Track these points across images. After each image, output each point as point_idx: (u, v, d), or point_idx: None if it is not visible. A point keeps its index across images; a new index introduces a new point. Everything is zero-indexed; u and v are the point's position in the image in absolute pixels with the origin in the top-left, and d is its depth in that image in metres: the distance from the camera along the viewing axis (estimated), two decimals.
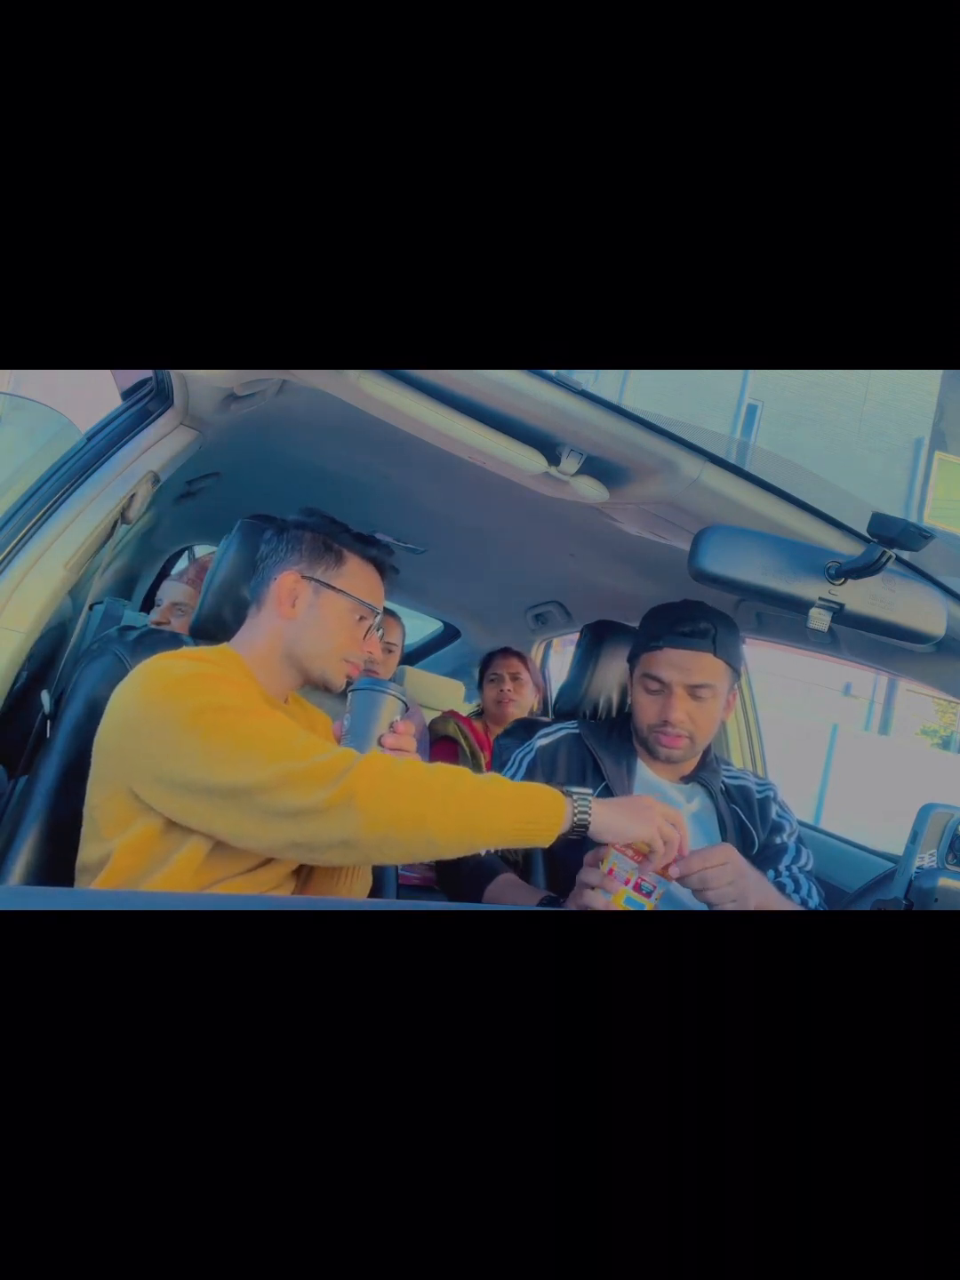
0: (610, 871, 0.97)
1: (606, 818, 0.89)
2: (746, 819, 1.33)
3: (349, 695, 0.94)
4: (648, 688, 1.28)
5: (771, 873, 1.28)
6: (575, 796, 0.88)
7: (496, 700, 2.36)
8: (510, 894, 1.23)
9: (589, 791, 0.90)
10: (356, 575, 1.07)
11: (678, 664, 1.24)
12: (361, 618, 1.07)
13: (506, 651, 2.43)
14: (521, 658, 2.41)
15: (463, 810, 0.81)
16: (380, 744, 0.89)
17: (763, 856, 1.30)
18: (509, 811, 0.84)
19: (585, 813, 0.87)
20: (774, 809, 1.36)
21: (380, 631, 1.13)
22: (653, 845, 0.91)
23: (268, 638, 1.04)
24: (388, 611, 2.26)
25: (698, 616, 1.25)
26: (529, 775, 1.35)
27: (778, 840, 1.33)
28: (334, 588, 1.05)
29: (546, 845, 0.86)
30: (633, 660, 1.34)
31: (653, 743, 1.29)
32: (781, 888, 1.25)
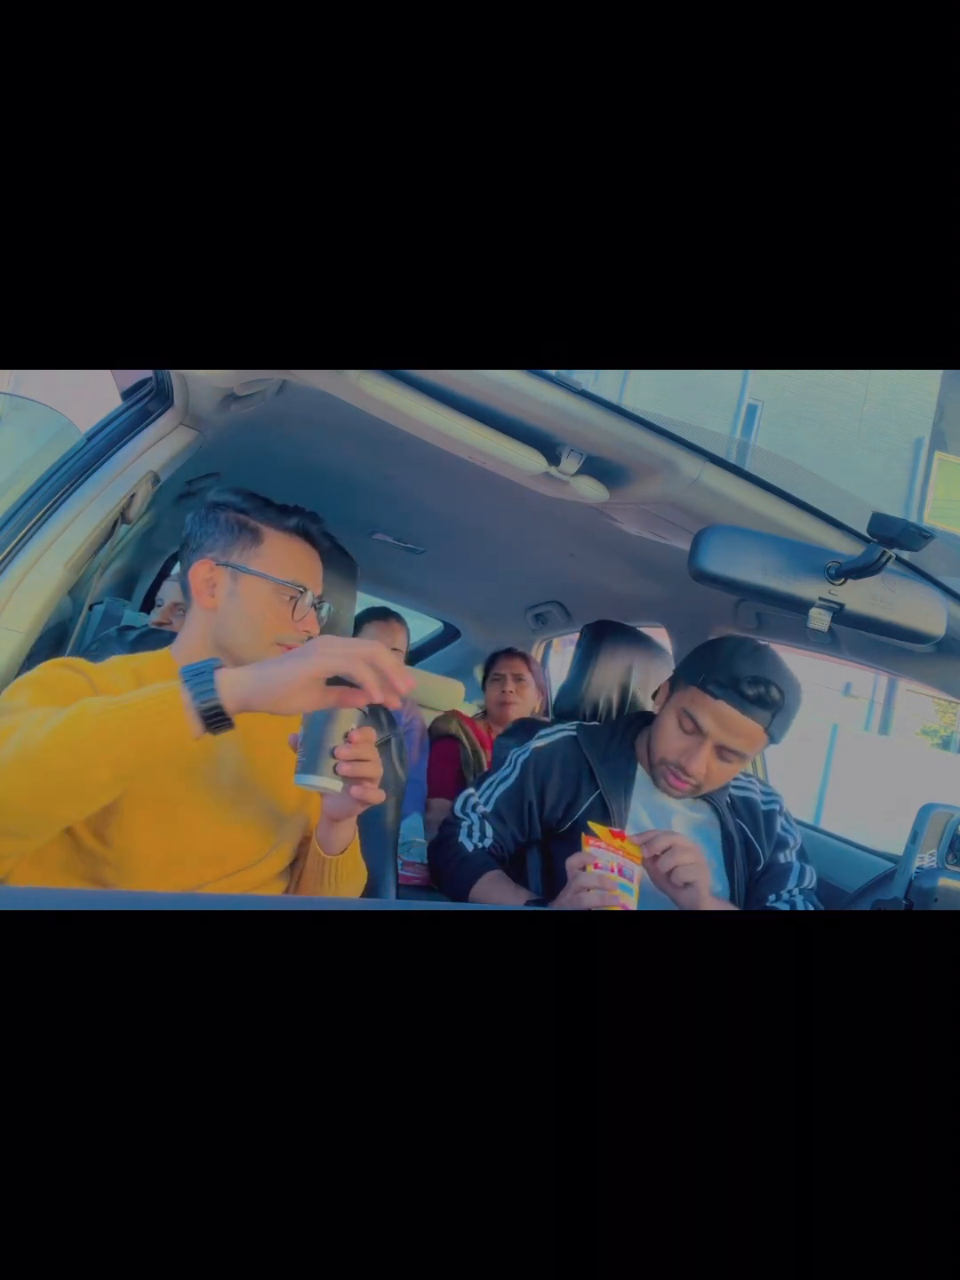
0: (593, 865, 0.98)
1: (250, 683, 0.75)
2: (751, 834, 1.32)
3: (304, 715, 0.87)
4: (682, 725, 1.21)
5: (773, 896, 1.27)
6: (190, 680, 0.74)
7: (498, 700, 2.36)
8: (496, 892, 1.23)
9: (211, 663, 0.76)
10: (278, 551, 1.01)
11: (724, 722, 1.16)
12: (291, 597, 1.00)
13: (510, 652, 2.43)
14: (525, 658, 2.41)
15: (77, 757, 0.71)
16: (334, 757, 0.83)
17: (767, 876, 1.29)
18: (125, 741, 0.72)
19: (210, 695, 0.73)
20: (779, 822, 1.35)
21: (322, 608, 1.06)
22: (356, 678, 0.77)
23: (198, 632, 1.00)
24: (390, 613, 2.23)
25: (771, 680, 1.15)
26: (522, 776, 1.35)
27: (783, 859, 1.31)
28: (251, 571, 0.98)
29: (198, 737, 0.74)
30: (676, 680, 1.26)
31: (660, 774, 1.26)
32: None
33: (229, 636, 0.98)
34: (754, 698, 1.14)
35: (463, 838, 1.33)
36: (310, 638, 0.99)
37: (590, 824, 1.03)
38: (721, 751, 1.18)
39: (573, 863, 1.02)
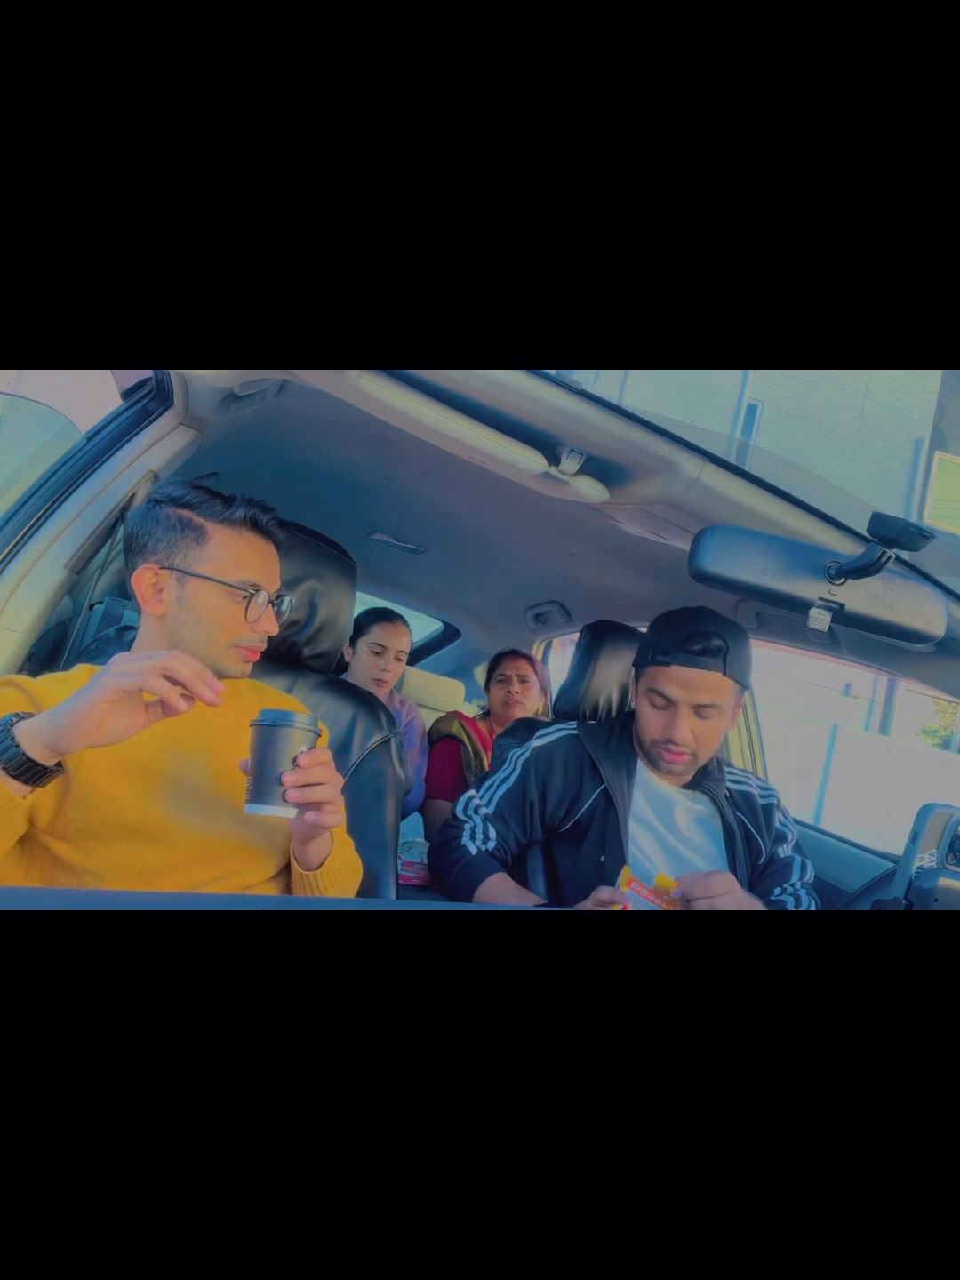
0: (623, 906, 0.98)
1: (50, 727, 0.73)
2: (752, 827, 1.33)
3: (253, 728, 0.83)
4: (653, 702, 1.26)
5: (778, 890, 1.29)
6: None
7: (503, 701, 2.35)
8: (501, 896, 1.23)
9: (6, 719, 0.76)
10: (225, 549, 0.94)
11: (686, 682, 1.21)
12: (244, 597, 0.94)
13: (515, 653, 2.42)
14: (529, 659, 2.40)
15: None
16: (281, 784, 0.79)
17: (769, 872, 1.31)
18: None
19: (12, 752, 0.72)
20: (777, 816, 1.36)
21: (281, 602, 1.00)
22: (152, 692, 0.74)
23: (151, 638, 0.95)
24: (393, 614, 2.17)
25: (710, 633, 1.21)
26: (524, 776, 1.35)
27: (783, 853, 1.33)
28: (197, 574, 0.92)
29: (25, 795, 0.74)
30: (638, 668, 1.31)
31: (655, 756, 1.28)
32: (782, 906, 1.26)
33: (180, 643, 0.93)
34: (700, 651, 1.20)
35: (466, 840, 1.32)
36: (270, 638, 0.98)
37: (628, 874, 1.01)
38: (699, 710, 1.23)
39: (602, 896, 1.01)
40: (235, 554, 0.95)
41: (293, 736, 0.81)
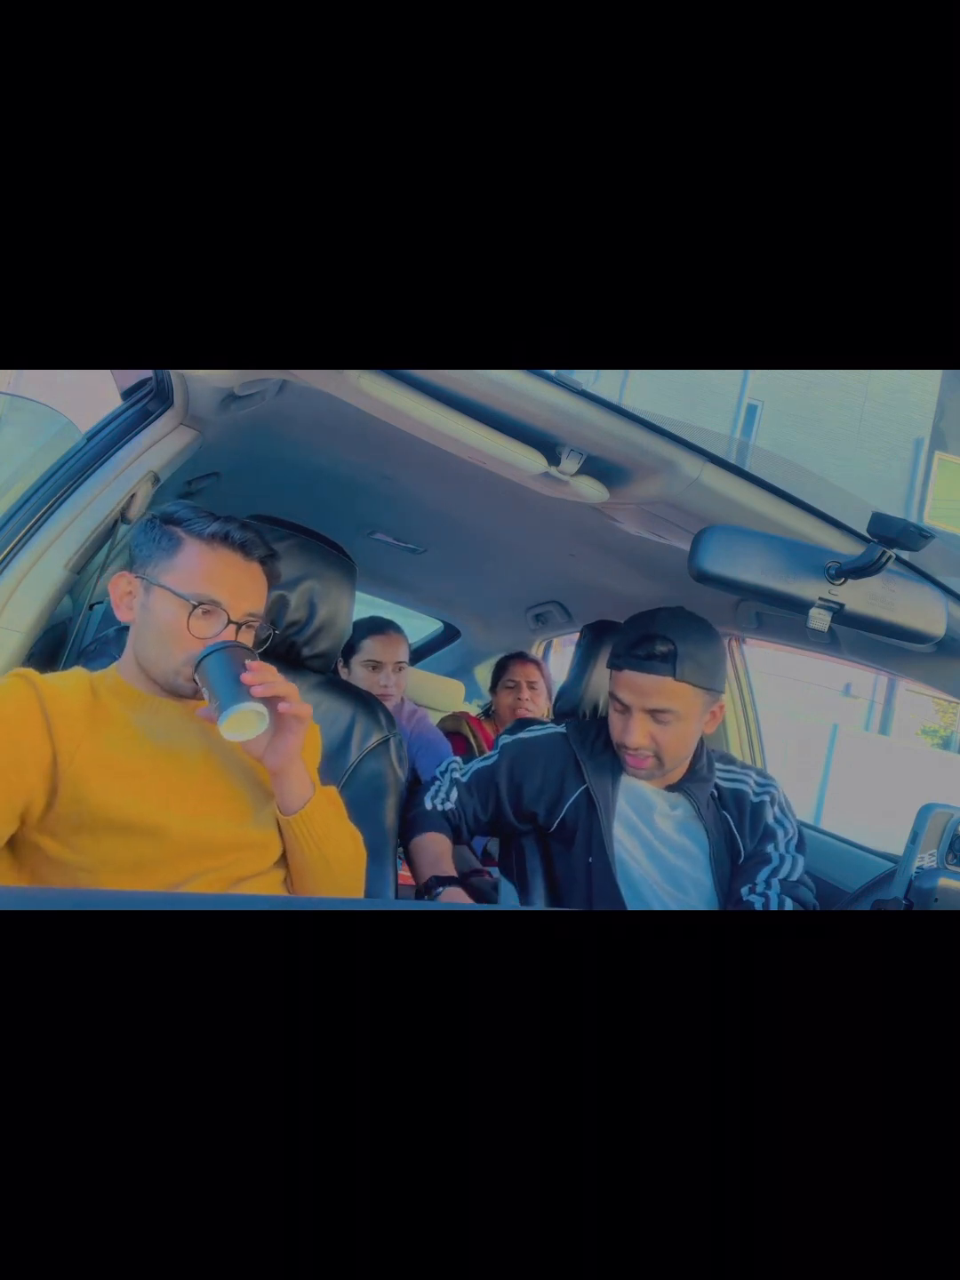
0: None
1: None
2: (735, 827, 1.30)
3: (195, 673, 0.87)
4: (614, 706, 1.27)
5: (746, 888, 1.24)
6: None
7: (512, 707, 2.34)
8: (432, 849, 1.30)
9: None
10: (191, 562, 0.92)
11: (635, 687, 1.21)
12: (205, 610, 0.91)
13: (523, 658, 2.40)
14: (537, 664, 2.40)
15: None
16: (242, 685, 0.83)
17: (743, 869, 1.27)
18: None
19: None
20: (770, 813, 1.32)
21: (254, 626, 0.98)
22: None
23: (129, 645, 0.96)
24: (388, 625, 2.08)
25: (657, 637, 1.19)
26: (500, 760, 1.38)
27: (765, 850, 1.28)
28: (158, 583, 0.92)
29: None
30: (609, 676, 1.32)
31: (624, 760, 1.28)
32: (749, 906, 1.21)
33: (143, 651, 0.94)
34: (645, 656, 1.20)
35: (426, 796, 1.39)
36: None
37: None
38: (654, 715, 1.22)
39: None
40: (201, 568, 0.92)
41: (236, 653, 0.86)
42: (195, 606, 0.91)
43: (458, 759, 1.46)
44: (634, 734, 1.22)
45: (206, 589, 0.92)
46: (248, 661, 0.86)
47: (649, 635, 1.20)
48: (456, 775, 1.41)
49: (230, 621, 0.92)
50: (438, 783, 1.42)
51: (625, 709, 1.24)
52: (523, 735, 1.40)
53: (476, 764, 1.42)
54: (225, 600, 0.92)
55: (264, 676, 0.85)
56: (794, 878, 1.26)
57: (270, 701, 0.87)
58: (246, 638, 0.96)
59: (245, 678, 0.84)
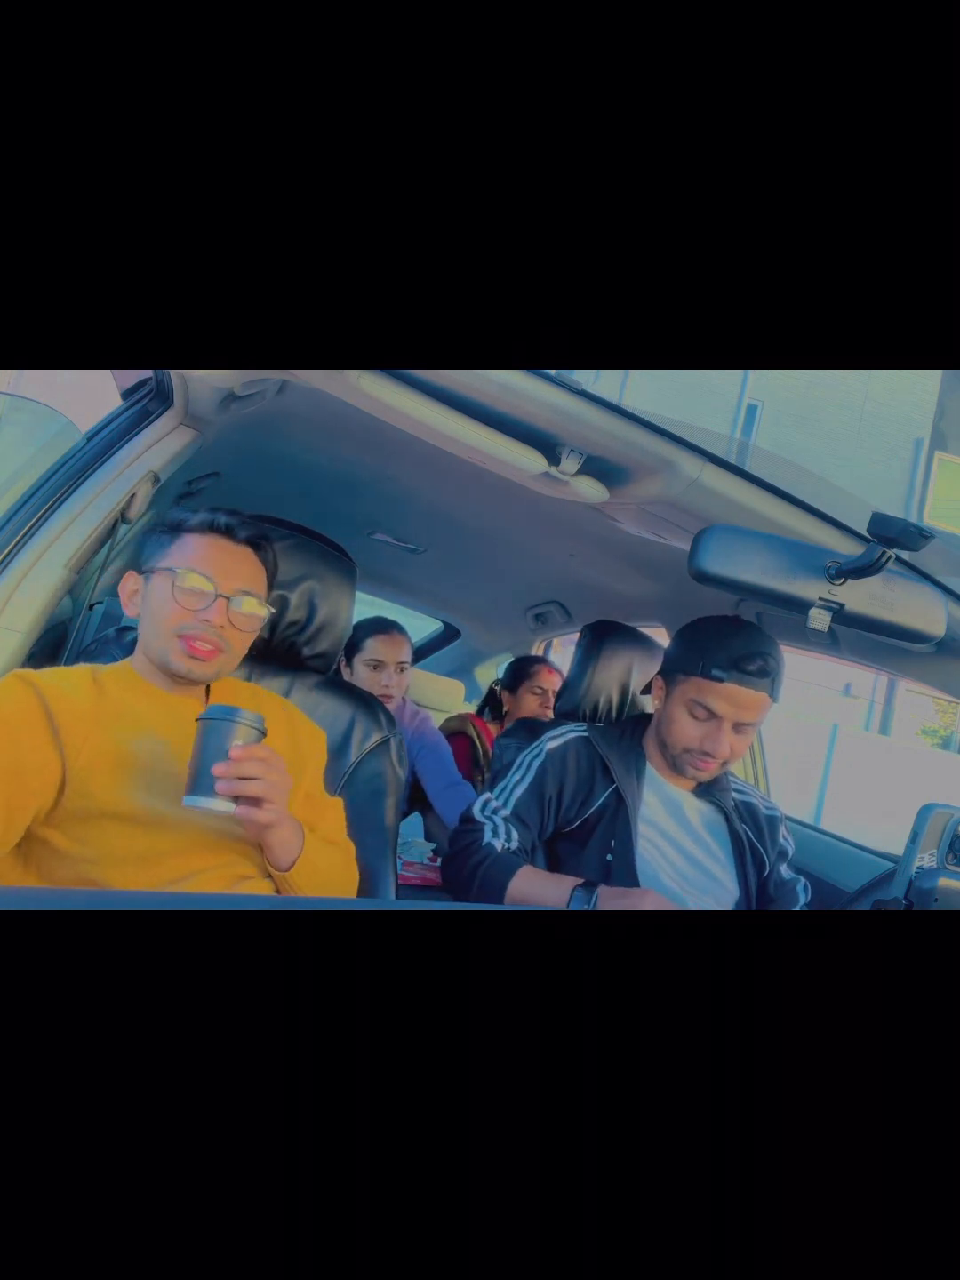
0: None
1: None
2: (755, 838, 1.34)
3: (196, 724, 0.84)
4: (694, 714, 1.25)
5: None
6: None
7: (535, 710, 2.32)
8: (538, 885, 1.20)
9: None
10: (184, 548, 0.99)
11: (736, 700, 1.21)
12: (192, 581, 0.96)
13: (547, 664, 2.39)
14: (558, 670, 2.40)
15: None
16: (214, 777, 0.79)
17: (779, 892, 1.33)
18: None
19: None
20: (781, 829, 1.38)
21: (237, 602, 0.98)
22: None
23: (139, 641, 1.01)
24: (391, 625, 2.07)
25: (763, 652, 1.21)
26: (540, 776, 1.33)
27: (786, 874, 1.35)
28: (155, 569, 0.98)
29: None
30: (673, 675, 1.28)
31: (684, 764, 1.28)
32: (791, 887, 1.29)
33: (144, 638, 0.99)
34: (756, 671, 1.19)
35: (490, 838, 1.28)
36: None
37: None
38: (738, 727, 1.23)
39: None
40: (193, 553, 0.98)
41: (230, 730, 0.81)
42: (180, 575, 0.95)
43: (489, 793, 1.37)
44: (721, 744, 1.22)
45: (195, 566, 0.97)
46: (236, 744, 0.81)
47: (756, 652, 1.20)
48: (503, 811, 1.33)
49: (219, 595, 0.96)
50: (489, 824, 1.31)
51: (713, 718, 1.23)
52: (548, 744, 1.37)
53: (515, 790, 1.35)
54: (213, 575, 0.97)
55: (242, 769, 0.81)
56: (808, 903, 1.34)
57: (236, 799, 0.82)
58: (218, 613, 0.96)
59: (217, 768, 0.79)
